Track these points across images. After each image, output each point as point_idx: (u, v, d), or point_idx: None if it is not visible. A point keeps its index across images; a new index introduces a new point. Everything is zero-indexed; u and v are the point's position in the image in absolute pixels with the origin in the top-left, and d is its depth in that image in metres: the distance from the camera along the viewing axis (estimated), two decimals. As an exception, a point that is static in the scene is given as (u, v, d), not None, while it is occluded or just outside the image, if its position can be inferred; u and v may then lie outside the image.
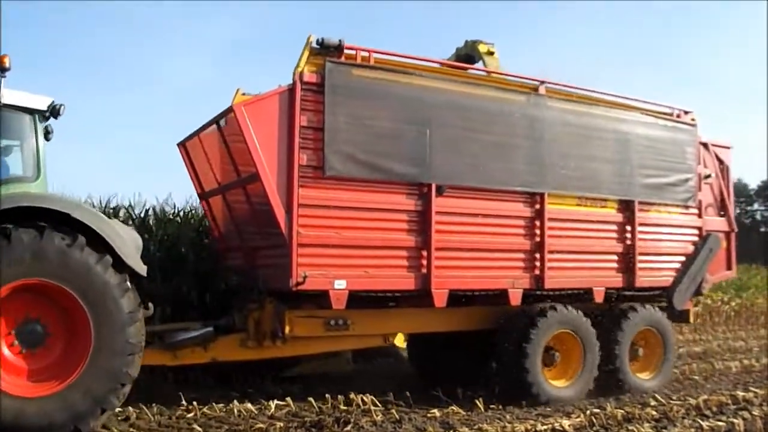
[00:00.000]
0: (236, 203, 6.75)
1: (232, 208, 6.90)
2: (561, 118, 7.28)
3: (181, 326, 6.51)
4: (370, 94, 6.18)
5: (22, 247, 4.61)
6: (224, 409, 6.09)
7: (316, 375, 7.98)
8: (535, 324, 6.89)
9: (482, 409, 6.37)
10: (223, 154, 6.54)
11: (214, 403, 6.22)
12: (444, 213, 6.49)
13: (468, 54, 8.58)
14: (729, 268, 8.99)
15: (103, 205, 7.94)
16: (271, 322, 6.34)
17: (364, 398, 6.37)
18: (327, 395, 6.43)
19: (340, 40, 6.04)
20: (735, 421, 5.93)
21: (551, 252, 7.12)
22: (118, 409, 5.40)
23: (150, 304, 5.72)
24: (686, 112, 8.52)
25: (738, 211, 36.37)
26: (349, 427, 5.61)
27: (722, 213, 8.91)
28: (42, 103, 5.20)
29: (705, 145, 8.72)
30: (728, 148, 9.09)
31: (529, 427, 5.68)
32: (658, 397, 7.04)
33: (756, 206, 55.40)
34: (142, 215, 8.08)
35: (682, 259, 8.34)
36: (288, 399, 6.28)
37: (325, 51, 6.02)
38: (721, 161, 8.94)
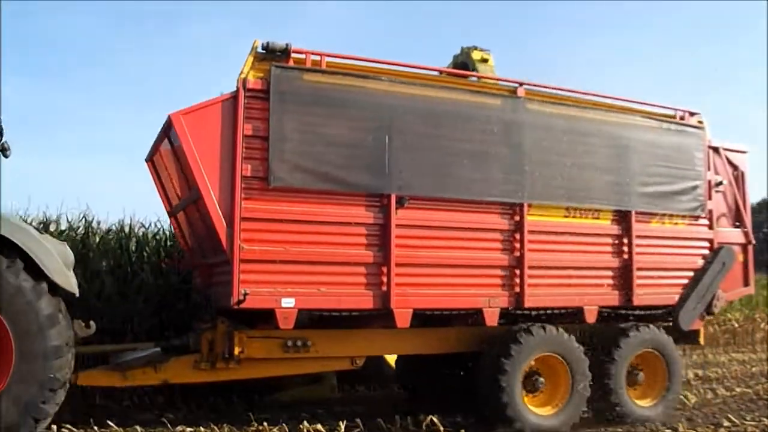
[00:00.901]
0: (194, 219, 6.46)
1: (192, 225, 6.62)
2: (544, 122, 6.71)
3: (130, 347, 6.23)
4: (323, 100, 5.80)
5: None
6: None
7: (299, 402, 7.59)
8: (512, 347, 6.30)
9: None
10: (178, 168, 6.28)
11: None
12: (406, 226, 6.02)
13: (464, 62, 8.17)
14: (746, 284, 8.13)
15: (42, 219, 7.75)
16: (224, 343, 5.99)
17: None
18: (304, 425, 6.05)
19: (287, 44, 5.71)
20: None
21: (532, 267, 6.52)
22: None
23: (92, 323, 5.53)
24: (692, 114, 7.79)
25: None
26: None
27: (737, 224, 8.08)
28: None
29: (716, 149, 7.95)
30: (743, 152, 8.27)
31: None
32: (732, 417, 6.59)
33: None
34: (94, 231, 7.86)
35: (690, 274, 7.57)
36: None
37: (271, 56, 5.70)
38: (735, 167, 8.14)
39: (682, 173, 7.54)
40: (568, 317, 6.93)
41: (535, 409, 6.46)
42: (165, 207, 7.30)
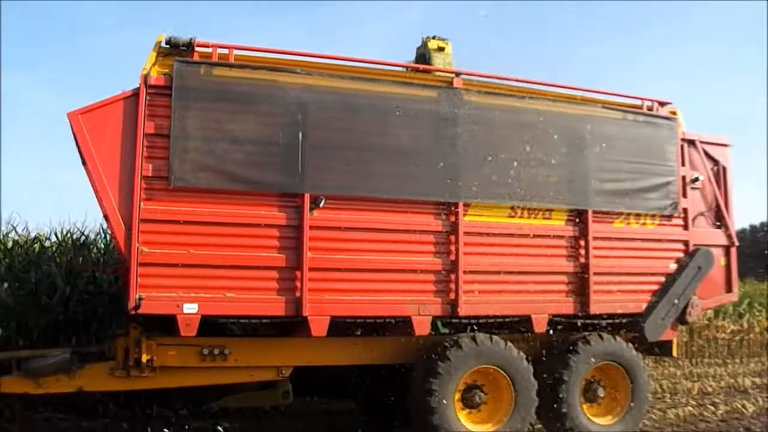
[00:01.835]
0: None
1: None
2: (484, 115, 6.22)
3: (41, 353, 6.06)
4: (230, 95, 5.48)
5: None
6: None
7: (247, 410, 7.32)
8: (439, 361, 5.83)
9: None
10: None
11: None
12: (322, 228, 5.64)
13: (423, 53, 7.76)
14: (729, 290, 7.37)
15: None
16: (136, 350, 5.74)
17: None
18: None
19: (191, 38, 5.43)
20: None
21: (469, 272, 6.03)
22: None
23: None
24: (663, 104, 7.14)
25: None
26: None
27: (718, 223, 7.35)
28: None
29: (691, 142, 7.25)
30: (725, 145, 7.53)
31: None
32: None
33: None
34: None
35: (661, 280, 6.91)
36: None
37: (176, 50, 5.43)
38: (715, 161, 7.42)
39: (650, 168, 6.90)
40: (518, 327, 6.42)
41: (473, 428, 5.97)
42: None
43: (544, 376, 6.29)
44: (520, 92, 6.49)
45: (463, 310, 5.98)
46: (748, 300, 13.98)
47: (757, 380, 9.89)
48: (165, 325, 5.58)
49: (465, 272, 6.00)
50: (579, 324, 6.63)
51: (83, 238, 8.19)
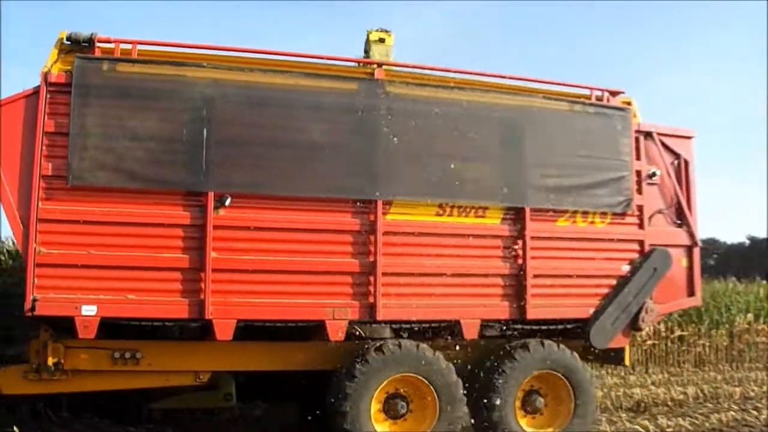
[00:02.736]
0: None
1: None
2: (409, 107, 5.91)
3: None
4: (133, 91, 5.35)
5: None
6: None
7: (189, 411, 7.17)
8: (357, 367, 5.55)
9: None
10: None
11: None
12: (228, 227, 5.43)
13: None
14: (691, 293, 6.83)
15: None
16: (46, 353, 5.65)
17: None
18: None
19: (92, 34, 5.33)
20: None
21: (389, 274, 5.73)
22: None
23: None
24: (614, 94, 6.68)
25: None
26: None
27: (679, 222, 6.83)
28: None
29: (648, 134, 6.77)
30: (687, 137, 7.01)
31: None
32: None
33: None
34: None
35: (611, 282, 6.45)
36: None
37: (77, 47, 5.34)
38: (676, 154, 6.91)
39: (600, 163, 6.46)
40: (450, 332, 6.07)
41: (392, 438, 5.67)
42: None
43: (477, 385, 5.92)
44: (451, 83, 6.17)
45: (382, 314, 5.68)
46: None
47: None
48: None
49: (385, 274, 5.70)
50: (523, 330, 6.25)
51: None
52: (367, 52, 6.96)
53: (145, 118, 5.35)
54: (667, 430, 7.02)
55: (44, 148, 5.20)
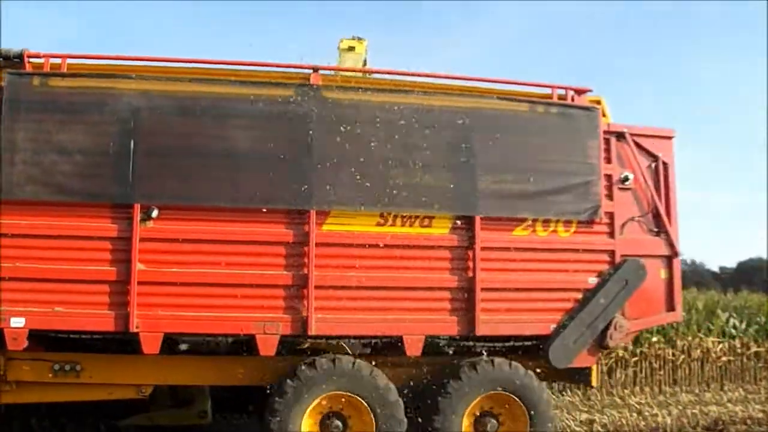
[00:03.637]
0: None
1: None
2: (347, 113, 5.67)
3: None
4: (62, 105, 5.37)
5: None
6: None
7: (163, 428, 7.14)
8: (288, 383, 5.34)
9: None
10: None
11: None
12: (156, 239, 5.35)
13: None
14: (671, 308, 6.22)
15: None
16: None
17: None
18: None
19: (22, 49, 5.39)
20: None
21: (324, 287, 5.49)
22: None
23: None
24: (579, 92, 6.20)
25: None
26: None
27: (657, 230, 6.25)
28: None
29: (620, 135, 6.25)
30: (666, 138, 6.42)
31: None
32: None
33: None
34: None
35: (577, 296, 5.96)
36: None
37: (7, 62, 5.41)
38: (654, 157, 6.34)
39: (563, 167, 6.01)
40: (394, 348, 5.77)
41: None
42: None
43: (418, 406, 5.59)
44: (395, 86, 5.89)
45: (315, 329, 5.45)
46: None
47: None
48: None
49: (319, 287, 5.48)
50: (479, 347, 5.88)
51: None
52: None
53: (74, 131, 5.35)
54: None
55: None
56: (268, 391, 5.51)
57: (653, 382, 10.73)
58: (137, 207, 5.33)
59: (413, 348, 5.62)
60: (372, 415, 5.43)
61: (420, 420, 5.60)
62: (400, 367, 5.92)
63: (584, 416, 8.21)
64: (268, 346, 5.43)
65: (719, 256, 77.78)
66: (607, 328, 5.89)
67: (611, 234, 6.09)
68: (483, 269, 5.74)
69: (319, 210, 5.55)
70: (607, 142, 6.19)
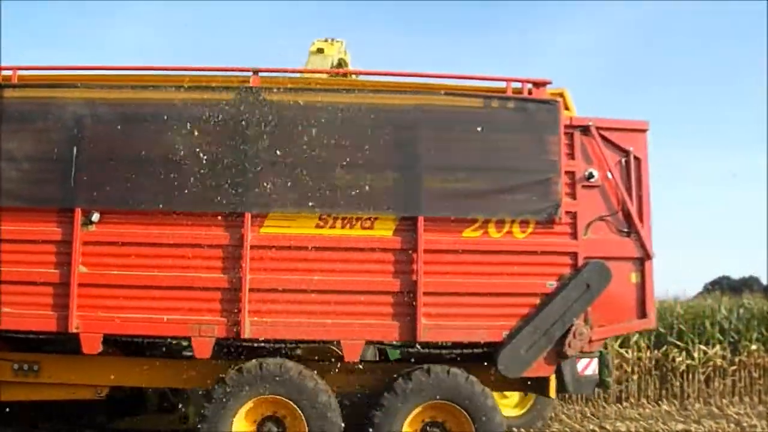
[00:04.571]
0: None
1: None
2: (286, 114, 5.57)
3: None
4: (12, 115, 5.58)
5: None
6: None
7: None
8: (216, 387, 5.30)
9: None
10: None
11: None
12: (97, 243, 5.48)
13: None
14: (642, 314, 5.66)
15: None
16: None
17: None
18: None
19: None
20: None
21: (258, 290, 5.42)
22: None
23: None
24: (538, 85, 5.81)
25: None
26: None
27: (627, 231, 5.73)
28: None
29: (585, 129, 5.79)
30: (639, 131, 5.89)
31: None
32: None
33: None
34: None
35: (533, 301, 5.56)
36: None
37: None
38: (624, 151, 5.83)
39: (520, 164, 5.66)
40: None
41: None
42: None
43: (359, 417, 5.39)
44: (340, 85, 5.77)
45: (249, 332, 5.38)
46: None
47: None
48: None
49: (253, 290, 5.41)
50: (429, 354, 5.62)
51: None
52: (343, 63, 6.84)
53: (23, 139, 5.58)
54: None
55: None
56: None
57: (752, 391, 10.24)
58: (78, 211, 5.48)
59: (352, 353, 5.43)
60: (305, 422, 5.29)
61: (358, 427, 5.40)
62: (352, 374, 5.76)
63: (680, 426, 8.02)
64: (203, 349, 5.42)
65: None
66: (565, 335, 5.46)
67: (574, 235, 5.65)
68: (427, 272, 5.47)
69: (255, 213, 5.49)
70: (570, 136, 5.76)
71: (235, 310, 5.43)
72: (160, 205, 5.48)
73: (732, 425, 8.08)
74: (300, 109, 5.59)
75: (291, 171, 5.52)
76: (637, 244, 5.69)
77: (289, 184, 5.50)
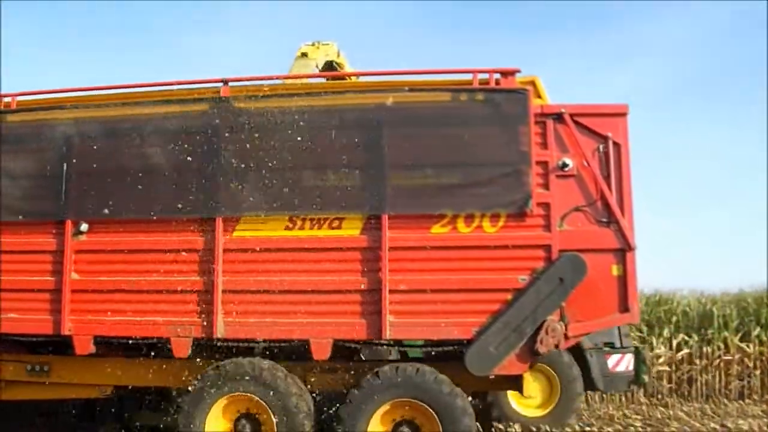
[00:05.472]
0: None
1: None
2: (254, 121, 5.73)
3: None
4: (11, 137, 6.10)
5: None
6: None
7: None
8: (195, 383, 5.53)
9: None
10: None
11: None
12: (86, 251, 5.87)
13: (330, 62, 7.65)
14: (624, 308, 5.32)
15: None
16: None
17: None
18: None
19: None
20: None
21: (230, 292, 5.60)
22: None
23: None
24: (506, 74, 5.63)
25: None
26: None
27: (606, 220, 5.43)
28: None
29: (558, 116, 5.56)
30: (618, 115, 5.56)
31: None
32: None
33: None
34: None
35: (505, 297, 5.39)
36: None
37: None
38: (602, 137, 5.53)
39: (488, 157, 5.53)
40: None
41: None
42: None
43: (323, 415, 5.44)
44: (305, 89, 5.88)
45: (222, 332, 5.57)
46: None
47: None
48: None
49: (226, 292, 5.60)
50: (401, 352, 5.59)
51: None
52: (331, 65, 7.01)
53: (20, 159, 6.09)
54: None
55: None
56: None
57: None
58: (68, 223, 5.90)
59: (320, 352, 5.49)
60: (274, 420, 5.40)
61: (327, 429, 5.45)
62: (331, 373, 5.83)
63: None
64: (181, 349, 5.66)
65: None
66: (537, 332, 5.25)
67: (547, 227, 5.43)
68: (393, 270, 5.44)
69: (227, 217, 5.69)
70: (542, 125, 5.55)
71: (210, 312, 5.64)
72: (140, 214, 5.80)
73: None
74: (267, 115, 5.73)
75: (260, 175, 5.67)
76: (617, 235, 5.39)
77: (258, 188, 5.66)
